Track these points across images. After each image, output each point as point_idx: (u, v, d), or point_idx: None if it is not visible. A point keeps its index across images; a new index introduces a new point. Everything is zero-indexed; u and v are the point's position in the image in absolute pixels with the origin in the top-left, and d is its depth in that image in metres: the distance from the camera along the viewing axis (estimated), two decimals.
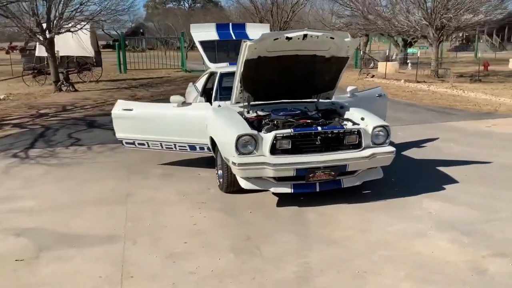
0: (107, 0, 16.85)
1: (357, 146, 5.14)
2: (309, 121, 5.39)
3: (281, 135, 4.91)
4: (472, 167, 6.50)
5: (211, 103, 6.32)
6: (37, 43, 17.64)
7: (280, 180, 5.02)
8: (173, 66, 26.79)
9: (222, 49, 7.78)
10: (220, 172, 5.66)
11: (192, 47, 49.84)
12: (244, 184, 5.03)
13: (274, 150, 4.91)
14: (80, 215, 5.02)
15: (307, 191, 5.09)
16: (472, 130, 9.10)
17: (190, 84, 8.85)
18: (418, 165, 6.71)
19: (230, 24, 8.51)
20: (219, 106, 6.06)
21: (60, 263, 3.93)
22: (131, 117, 6.32)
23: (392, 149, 5.23)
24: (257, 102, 5.87)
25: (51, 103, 13.71)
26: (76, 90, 16.49)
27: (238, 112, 5.65)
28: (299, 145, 5.00)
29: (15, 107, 12.86)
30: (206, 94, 7.11)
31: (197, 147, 6.20)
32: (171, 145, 6.32)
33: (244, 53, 5.10)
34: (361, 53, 26.33)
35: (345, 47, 5.45)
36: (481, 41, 43.63)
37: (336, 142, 5.11)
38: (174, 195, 5.58)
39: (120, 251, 4.14)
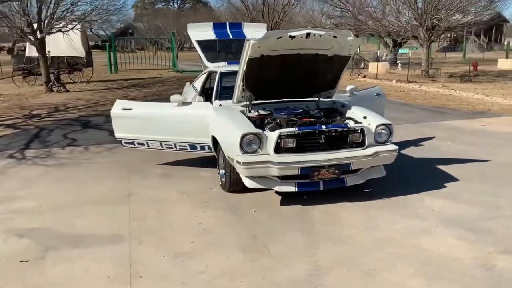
0: (98, 0, 16.73)
1: (361, 144, 5.15)
2: (312, 119, 5.39)
3: (286, 133, 4.91)
4: (471, 165, 6.55)
5: (211, 103, 6.29)
6: (28, 43, 17.45)
7: (284, 178, 5.01)
8: (164, 66, 26.66)
9: (220, 48, 7.76)
10: (222, 171, 5.64)
11: (182, 47, 49.78)
12: (248, 183, 5.01)
13: (278, 149, 4.90)
14: (82, 215, 4.97)
15: (311, 189, 5.09)
16: (468, 129, 9.18)
17: (187, 83, 8.82)
18: (418, 164, 6.75)
19: (227, 23, 8.49)
20: (220, 105, 6.04)
21: (68, 263, 3.89)
22: (131, 117, 6.27)
23: (395, 147, 5.26)
24: (258, 101, 5.87)
25: (43, 103, 13.57)
26: (67, 91, 16.34)
27: (240, 111, 5.63)
28: (303, 144, 4.99)
29: (7, 108, 12.70)
30: (205, 93, 7.09)
31: (198, 146, 6.17)
32: (171, 145, 6.28)
33: (248, 51, 5.08)
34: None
35: (347, 46, 5.46)
36: (469, 41, 44.08)
37: (340, 140, 5.11)
38: (176, 195, 5.55)
39: (127, 251, 4.10)
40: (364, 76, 21.06)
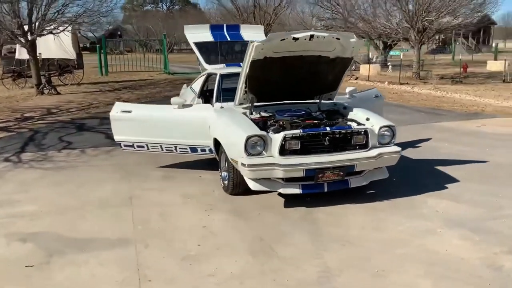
0: (89, 2, 16.57)
1: (364, 146, 5.16)
2: (316, 121, 5.39)
3: (290, 135, 4.90)
4: (470, 166, 6.60)
5: (211, 105, 6.26)
6: (18, 45, 17.25)
7: (288, 180, 5.00)
8: (155, 68, 26.55)
9: (218, 50, 7.73)
10: (224, 174, 5.61)
11: (172, 49, 49.62)
12: (252, 185, 4.99)
13: (283, 151, 4.89)
14: (85, 218, 4.92)
15: (316, 191, 5.09)
16: (463, 130, 9.25)
17: (184, 86, 8.78)
18: (417, 165, 6.78)
19: (225, 25, 8.46)
20: (222, 107, 6.01)
21: (74, 267, 3.83)
22: (130, 119, 6.22)
23: (398, 148, 5.28)
24: (259, 103, 5.85)
25: (35, 106, 13.41)
26: (58, 93, 16.17)
27: (242, 113, 5.61)
28: (307, 146, 4.99)
29: None
30: (204, 95, 7.07)
31: (199, 149, 6.14)
32: (171, 147, 6.23)
33: (251, 53, 5.07)
34: None
35: (350, 47, 5.47)
36: (458, 43, 44.53)
37: (344, 142, 5.12)
38: (179, 198, 5.51)
39: (133, 255, 4.06)
40: (356, 78, 21.16)
